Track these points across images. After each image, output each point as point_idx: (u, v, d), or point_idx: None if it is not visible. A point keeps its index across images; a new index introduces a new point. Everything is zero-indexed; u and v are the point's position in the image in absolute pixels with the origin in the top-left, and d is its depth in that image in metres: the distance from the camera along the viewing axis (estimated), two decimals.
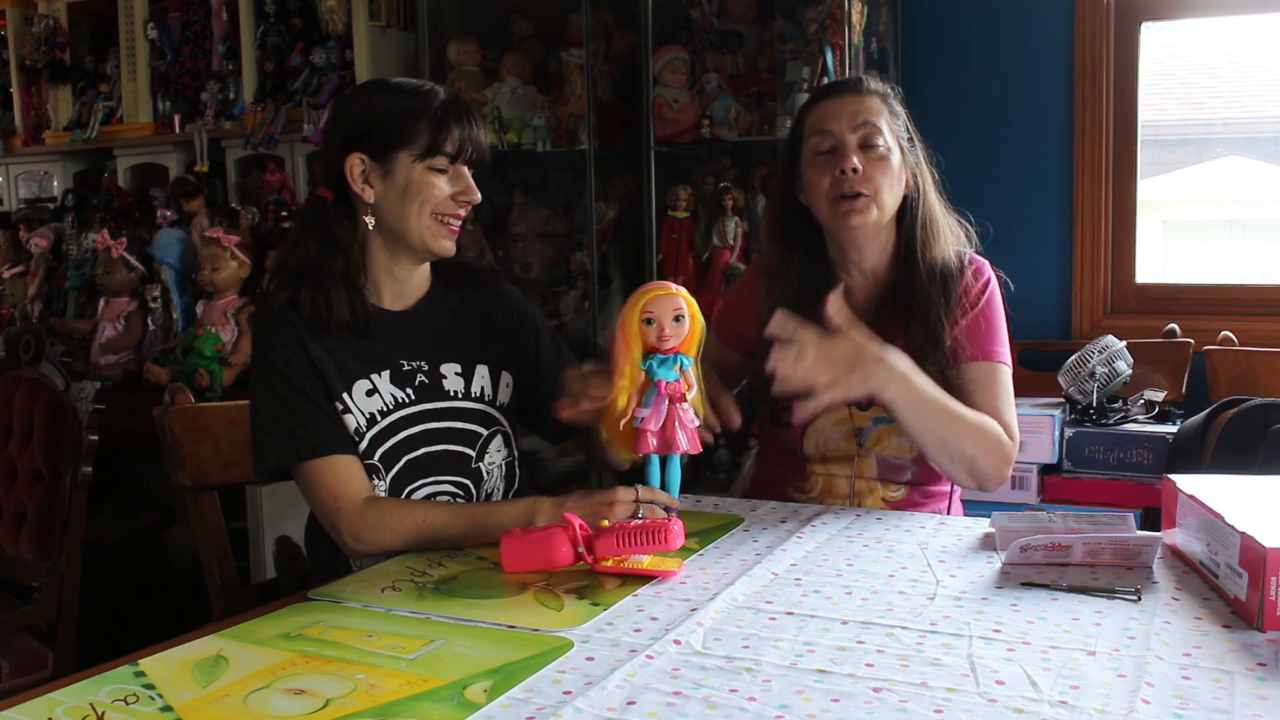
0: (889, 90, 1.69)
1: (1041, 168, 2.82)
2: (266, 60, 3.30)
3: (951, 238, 1.69)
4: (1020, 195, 2.85)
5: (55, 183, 4.00)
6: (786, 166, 1.72)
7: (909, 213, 1.67)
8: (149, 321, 3.30)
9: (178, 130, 3.51)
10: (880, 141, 1.62)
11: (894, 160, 1.63)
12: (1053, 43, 2.79)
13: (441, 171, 1.49)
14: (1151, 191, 2.88)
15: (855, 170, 1.59)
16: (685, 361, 1.36)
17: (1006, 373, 1.66)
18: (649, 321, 1.34)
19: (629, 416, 1.35)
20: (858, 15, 2.65)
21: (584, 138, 2.86)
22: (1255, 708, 0.90)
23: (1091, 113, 2.76)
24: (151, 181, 3.63)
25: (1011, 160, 2.85)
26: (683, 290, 1.35)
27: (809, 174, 1.65)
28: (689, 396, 1.36)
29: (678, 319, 1.34)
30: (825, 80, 2.64)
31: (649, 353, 1.35)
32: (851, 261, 1.69)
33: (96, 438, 2.33)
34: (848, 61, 2.60)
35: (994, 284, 1.69)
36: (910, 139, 1.67)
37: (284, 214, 3.19)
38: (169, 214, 3.42)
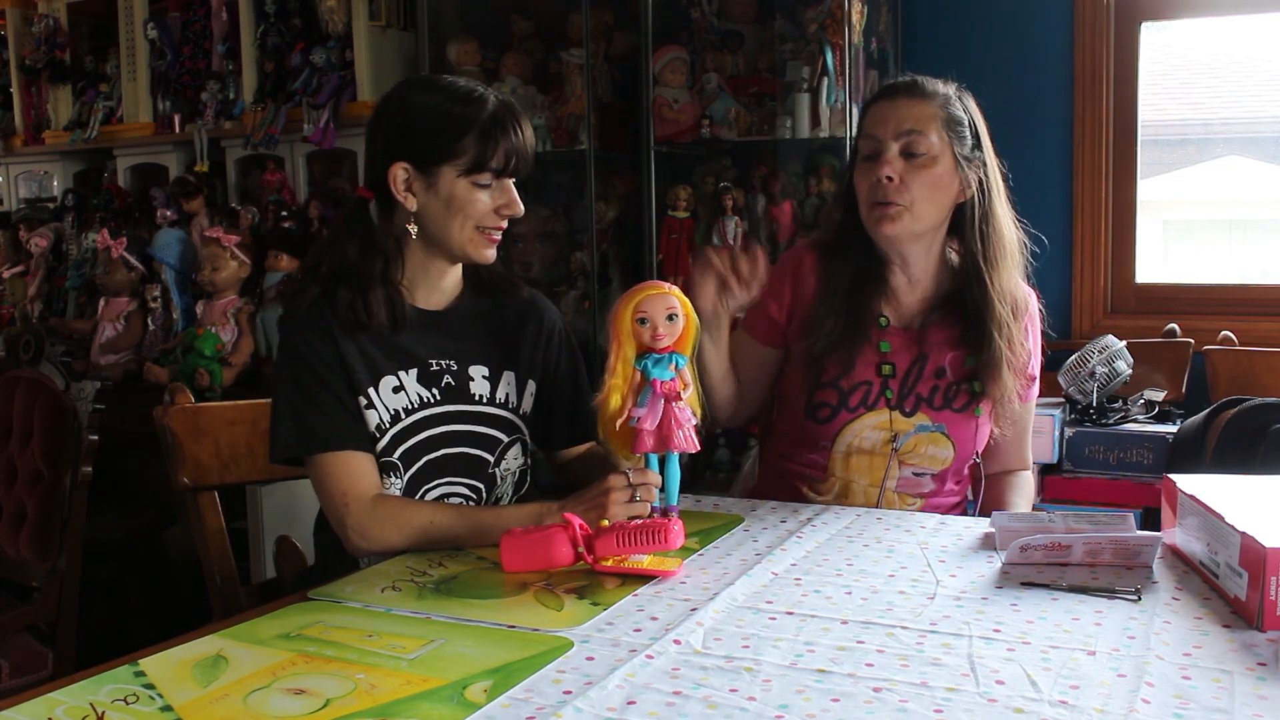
0: (951, 93, 1.65)
1: (1041, 168, 2.82)
2: (266, 60, 3.30)
3: (1016, 261, 1.67)
4: (1020, 195, 2.83)
5: (55, 183, 4.00)
6: (851, 162, 1.72)
7: (968, 221, 1.64)
8: (149, 321, 3.30)
9: (178, 130, 3.51)
10: (923, 149, 1.60)
11: (940, 168, 1.61)
12: (1053, 43, 2.79)
13: (485, 186, 1.48)
14: (1151, 191, 2.88)
15: (890, 179, 1.59)
16: (680, 360, 1.36)
17: (1033, 407, 1.79)
18: (642, 321, 1.33)
19: (625, 416, 1.35)
20: (858, 15, 2.65)
21: (584, 138, 2.86)
22: (1255, 708, 0.90)
23: (1091, 113, 2.76)
24: (151, 181, 3.64)
25: (1011, 160, 2.82)
26: (676, 289, 1.35)
27: (856, 176, 1.66)
28: (685, 395, 1.36)
29: (671, 318, 1.33)
30: (824, 80, 2.64)
31: (644, 353, 1.35)
32: (896, 265, 1.69)
33: (96, 438, 2.33)
34: (848, 61, 2.60)
35: (1039, 326, 1.76)
36: (975, 144, 1.64)
37: (284, 214, 3.19)
38: (169, 214, 3.42)
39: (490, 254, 1.53)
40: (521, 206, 1.51)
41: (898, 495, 1.69)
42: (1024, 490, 1.77)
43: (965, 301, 1.66)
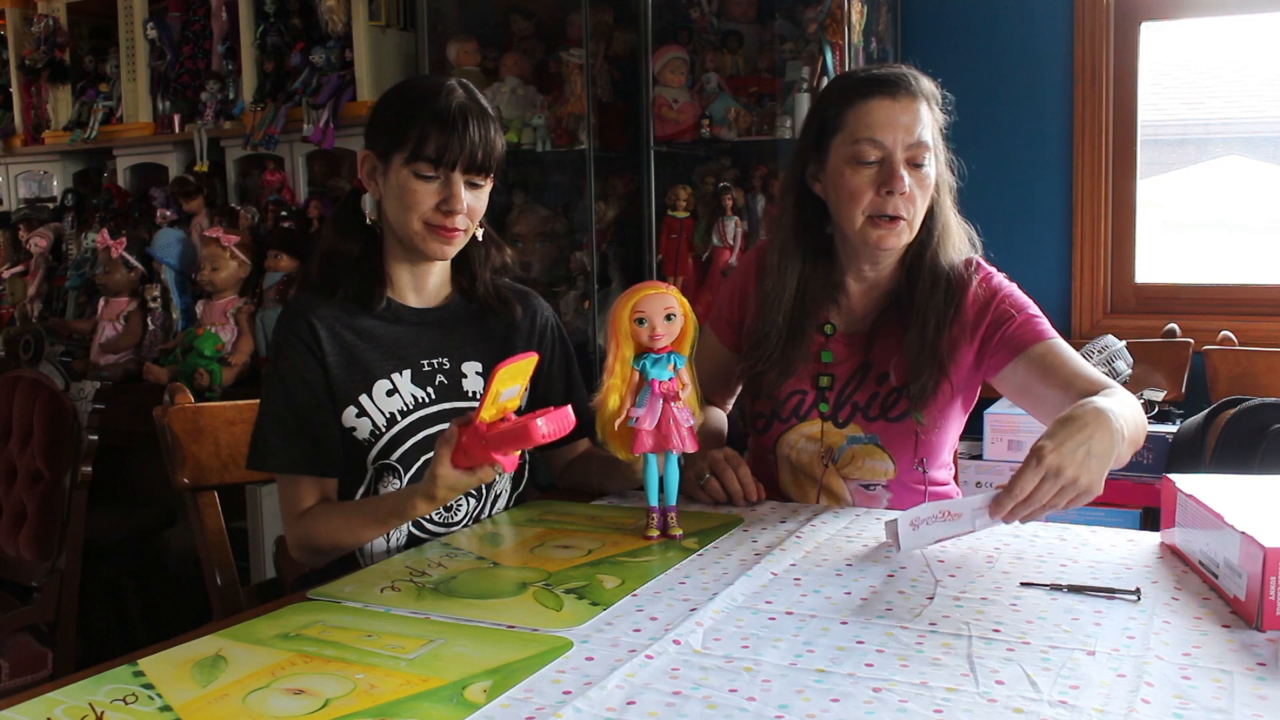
0: (934, 91, 1.58)
1: (1041, 167, 2.82)
2: (266, 60, 3.30)
3: (960, 244, 1.62)
4: (1020, 195, 2.85)
5: (55, 182, 4.00)
6: (805, 150, 1.63)
7: (926, 221, 1.58)
8: (149, 321, 3.30)
9: (177, 130, 3.51)
10: (927, 161, 1.53)
11: (933, 175, 1.55)
12: (1053, 43, 2.79)
13: (428, 178, 1.47)
14: (1151, 191, 2.88)
15: (905, 193, 1.52)
16: (679, 360, 1.36)
17: (1064, 342, 1.56)
18: (640, 321, 1.33)
19: (623, 417, 1.35)
20: (858, 15, 2.65)
21: (584, 138, 2.86)
22: (1255, 708, 0.89)
23: (1091, 113, 2.76)
24: (151, 181, 3.64)
25: (1011, 160, 2.85)
26: (674, 289, 1.35)
27: (847, 180, 1.54)
28: (683, 395, 1.36)
29: (669, 318, 1.34)
30: (824, 80, 2.63)
31: (642, 353, 1.35)
32: (859, 269, 1.63)
33: (96, 438, 2.34)
34: (848, 61, 2.60)
35: (1005, 282, 1.63)
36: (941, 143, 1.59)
37: (283, 214, 3.19)
38: (169, 214, 3.42)
39: (444, 251, 1.52)
40: (462, 204, 1.48)
41: None
42: (1119, 395, 1.41)
43: (909, 296, 1.60)
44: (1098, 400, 1.32)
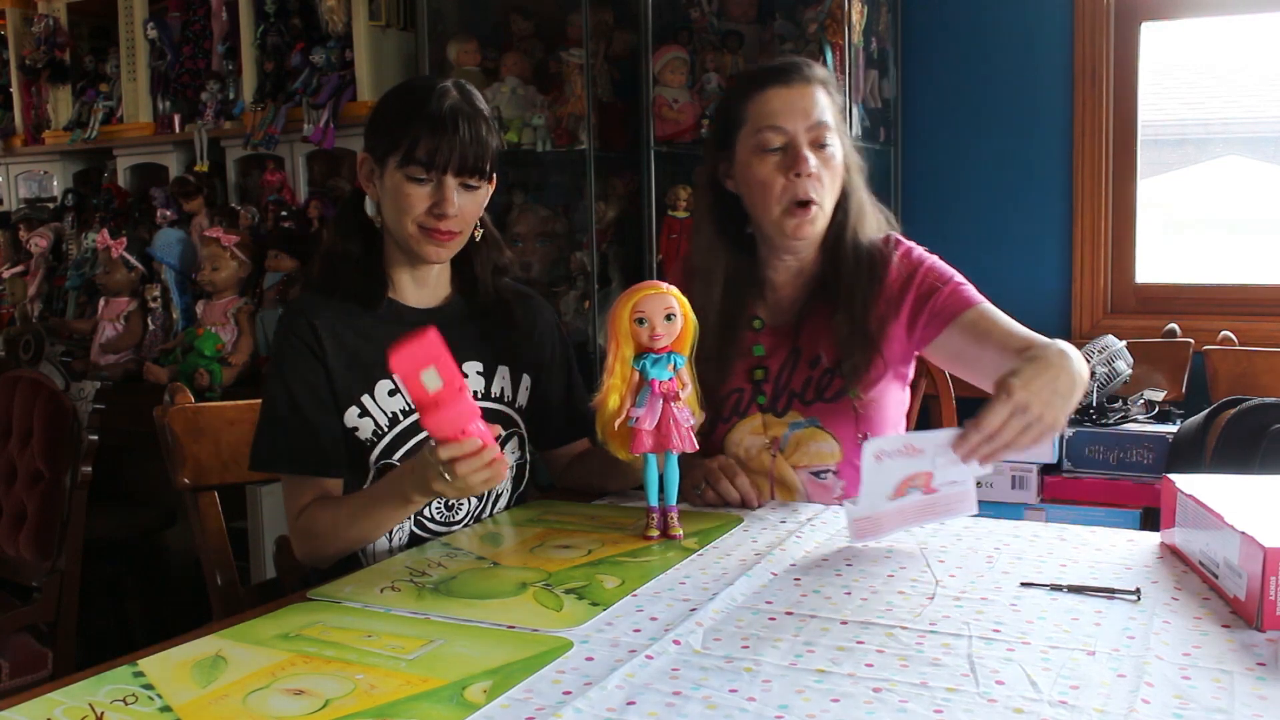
0: (829, 77, 1.62)
1: (1041, 168, 2.82)
2: (266, 60, 3.30)
3: (876, 223, 1.64)
4: (1020, 195, 2.85)
5: (55, 182, 4.00)
6: (714, 150, 1.65)
7: (841, 203, 1.61)
8: (149, 321, 3.30)
9: (178, 130, 3.51)
10: (830, 141, 1.57)
11: (839, 156, 1.59)
12: (1053, 42, 2.79)
13: (420, 180, 1.47)
14: (1151, 191, 2.88)
15: (812, 174, 1.55)
16: (679, 360, 1.36)
17: (993, 306, 1.56)
18: (640, 321, 1.33)
19: (623, 417, 1.35)
20: (858, 15, 2.65)
21: (584, 138, 2.86)
22: (1255, 708, 0.89)
23: (1091, 113, 2.75)
24: (151, 181, 3.64)
25: (1011, 160, 2.85)
26: (674, 289, 1.35)
27: (756, 170, 1.57)
28: (683, 395, 1.36)
29: (669, 318, 1.34)
30: None
31: (642, 353, 1.35)
32: (781, 260, 1.66)
33: (96, 438, 2.34)
34: (848, 61, 2.60)
35: (926, 254, 1.64)
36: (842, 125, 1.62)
37: (283, 214, 3.19)
38: (169, 214, 3.42)
39: (438, 254, 1.52)
40: (454, 208, 1.47)
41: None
42: (1067, 345, 1.40)
43: (834, 279, 1.62)
44: (1060, 343, 1.35)
